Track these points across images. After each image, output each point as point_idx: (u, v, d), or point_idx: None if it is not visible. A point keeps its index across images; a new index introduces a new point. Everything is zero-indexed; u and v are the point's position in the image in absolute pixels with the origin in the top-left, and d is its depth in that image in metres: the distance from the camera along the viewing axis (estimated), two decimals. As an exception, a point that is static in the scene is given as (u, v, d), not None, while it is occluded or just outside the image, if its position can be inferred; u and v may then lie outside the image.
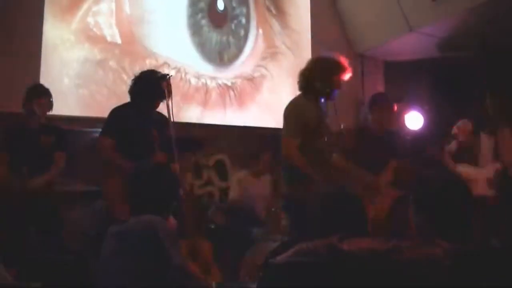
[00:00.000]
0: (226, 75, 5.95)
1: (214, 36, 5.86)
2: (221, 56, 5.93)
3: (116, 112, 3.83)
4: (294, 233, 3.65)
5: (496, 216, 4.22)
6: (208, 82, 5.80)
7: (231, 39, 6.00)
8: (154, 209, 2.21)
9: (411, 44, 6.08)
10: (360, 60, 6.83)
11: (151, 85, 3.71)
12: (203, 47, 5.76)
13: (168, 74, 3.78)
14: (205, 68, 5.78)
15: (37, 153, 3.94)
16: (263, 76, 6.18)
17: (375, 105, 4.26)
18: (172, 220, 2.53)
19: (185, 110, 5.57)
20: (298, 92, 3.90)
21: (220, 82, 5.89)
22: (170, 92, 3.71)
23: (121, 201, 2.66)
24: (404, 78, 6.32)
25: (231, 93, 5.97)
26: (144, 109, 3.80)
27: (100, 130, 3.83)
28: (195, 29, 5.71)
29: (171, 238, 2.08)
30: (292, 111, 3.76)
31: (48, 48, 4.97)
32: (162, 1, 5.57)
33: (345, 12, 6.66)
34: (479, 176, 4.32)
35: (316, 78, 3.74)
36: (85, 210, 4.14)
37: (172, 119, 3.64)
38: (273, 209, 5.07)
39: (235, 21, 6.05)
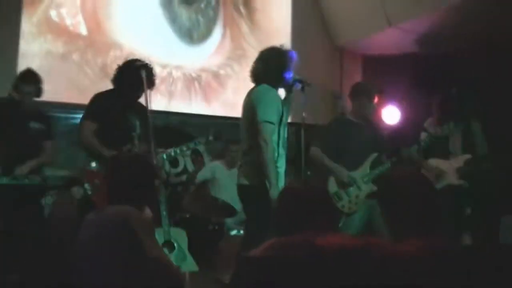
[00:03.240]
0: (192, 66, 5.93)
1: (184, 12, 5.85)
2: (191, 34, 5.92)
3: (98, 97, 3.82)
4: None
5: (464, 204, 4.37)
6: (174, 71, 5.78)
7: (200, 18, 5.98)
8: (130, 199, 2.20)
9: (390, 39, 6.11)
10: (339, 53, 6.87)
11: (131, 74, 3.69)
12: (174, 22, 5.75)
13: (148, 64, 3.76)
14: (174, 50, 5.74)
15: (24, 140, 3.90)
16: (228, 76, 6.15)
17: (356, 94, 4.27)
18: (148, 211, 2.52)
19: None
20: None
21: (186, 72, 5.87)
22: (150, 82, 3.71)
23: (103, 190, 2.65)
24: (382, 73, 6.36)
25: (196, 85, 5.96)
26: (126, 98, 3.80)
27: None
28: (165, 3, 5.74)
29: (146, 228, 2.08)
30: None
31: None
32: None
33: (325, 4, 6.67)
34: (449, 167, 4.40)
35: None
36: (64, 197, 4.10)
37: (150, 108, 3.60)
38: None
39: (205, 1, 6.06)
